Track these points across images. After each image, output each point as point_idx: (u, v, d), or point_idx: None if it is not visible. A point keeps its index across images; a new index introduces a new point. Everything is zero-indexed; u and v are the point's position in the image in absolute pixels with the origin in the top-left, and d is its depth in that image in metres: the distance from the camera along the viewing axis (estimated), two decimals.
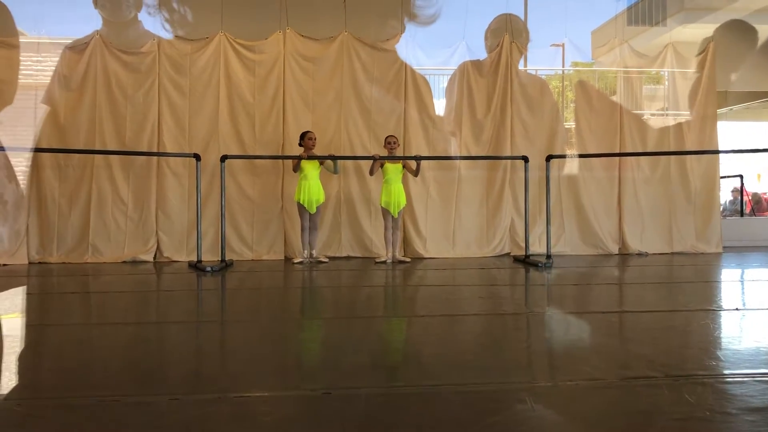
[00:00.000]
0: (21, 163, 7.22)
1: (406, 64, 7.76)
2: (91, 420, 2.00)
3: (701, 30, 8.88)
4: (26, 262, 7.05)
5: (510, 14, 8.06)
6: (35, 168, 7.24)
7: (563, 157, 8.00)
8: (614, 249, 8.01)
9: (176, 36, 7.54)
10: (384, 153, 7.14)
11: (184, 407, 2.09)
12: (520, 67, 8.13)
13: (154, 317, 4.07)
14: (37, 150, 7.15)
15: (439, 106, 8.13)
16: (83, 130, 7.29)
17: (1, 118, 7.11)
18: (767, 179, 15.77)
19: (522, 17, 8.26)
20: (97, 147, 7.24)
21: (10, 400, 2.19)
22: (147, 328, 3.59)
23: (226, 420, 1.98)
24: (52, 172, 7.26)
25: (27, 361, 2.78)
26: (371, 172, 7.21)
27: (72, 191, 7.29)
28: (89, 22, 7.37)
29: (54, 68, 7.30)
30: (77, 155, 7.23)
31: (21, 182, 7.17)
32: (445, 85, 8.23)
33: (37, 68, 7.36)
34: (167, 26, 7.55)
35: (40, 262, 7.08)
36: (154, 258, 7.31)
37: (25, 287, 5.43)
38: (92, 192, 7.27)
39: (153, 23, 7.53)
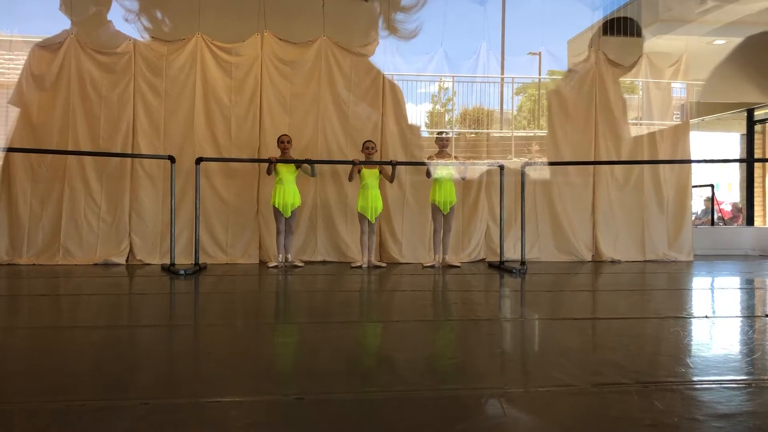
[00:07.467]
0: None
1: (382, 72, 7.79)
2: (58, 425, 1.96)
3: (675, 41, 9.03)
4: None
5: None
6: (6, 168, 7.12)
7: (539, 164, 8.09)
8: (588, 256, 8.10)
9: (152, 37, 7.48)
10: (362, 158, 7.14)
11: (154, 412, 2.06)
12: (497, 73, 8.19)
13: (126, 321, 4.01)
14: (10, 150, 7.04)
15: (416, 111, 8.17)
16: (56, 131, 7.19)
17: None
18: (737, 189, 16.03)
19: (500, 26, 8.34)
20: (71, 147, 7.14)
21: None
22: (118, 332, 3.54)
23: (196, 425, 1.96)
24: (24, 173, 7.15)
25: None
26: (350, 178, 7.19)
27: (44, 192, 7.18)
28: (62, 20, 7.29)
29: (23, 66, 7.19)
30: (50, 155, 7.13)
31: None
32: (423, 90, 8.28)
33: (9, 66, 7.24)
34: (144, 27, 7.48)
35: (9, 264, 6.96)
36: (127, 260, 7.22)
37: None
38: (65, 193, 7.17)
39: (129, 24, 7.47)
